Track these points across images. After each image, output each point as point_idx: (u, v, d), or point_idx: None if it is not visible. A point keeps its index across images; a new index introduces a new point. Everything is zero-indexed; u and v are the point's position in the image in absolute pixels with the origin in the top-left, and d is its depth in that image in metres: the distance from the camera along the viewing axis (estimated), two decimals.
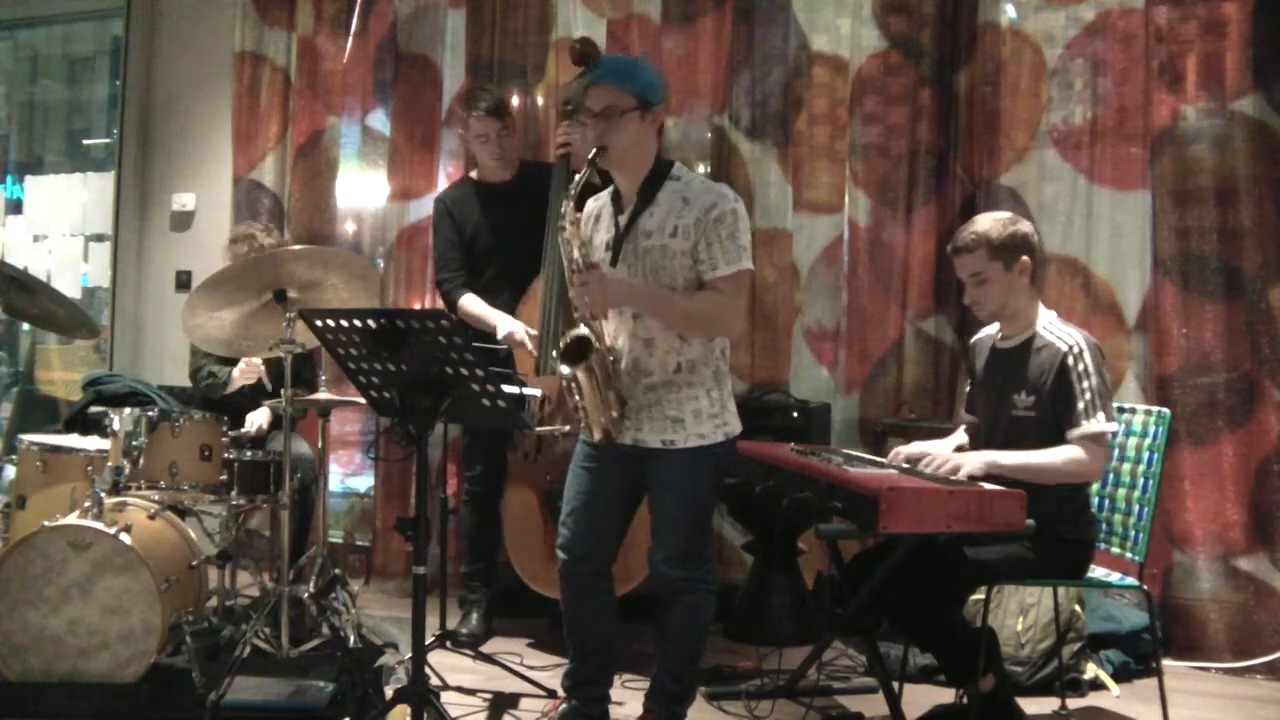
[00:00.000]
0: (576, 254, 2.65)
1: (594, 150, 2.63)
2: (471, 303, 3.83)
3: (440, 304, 4.61)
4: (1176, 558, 3.80)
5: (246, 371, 3.89)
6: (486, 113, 3.82)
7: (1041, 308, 2.91)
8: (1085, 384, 2.71)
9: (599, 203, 2.82)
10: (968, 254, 2.85)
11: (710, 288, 2.63)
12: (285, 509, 3.31)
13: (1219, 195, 3.78)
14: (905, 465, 2.89)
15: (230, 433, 3.54)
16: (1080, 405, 2.71)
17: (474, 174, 4.04)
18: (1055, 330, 2.83)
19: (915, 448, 2.98)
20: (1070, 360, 2.74)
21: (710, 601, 2.71)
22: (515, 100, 4.52)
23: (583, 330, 2.65)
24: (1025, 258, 2.83)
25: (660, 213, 2.65)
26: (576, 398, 2.69)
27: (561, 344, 2.66)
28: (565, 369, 2.63)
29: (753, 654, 3.48)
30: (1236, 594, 3.73)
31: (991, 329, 3.02)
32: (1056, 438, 2.75)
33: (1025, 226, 2.86)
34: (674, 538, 2.67)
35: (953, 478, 2.69)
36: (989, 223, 2.86)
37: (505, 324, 3.72)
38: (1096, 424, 2.70)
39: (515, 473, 3.89)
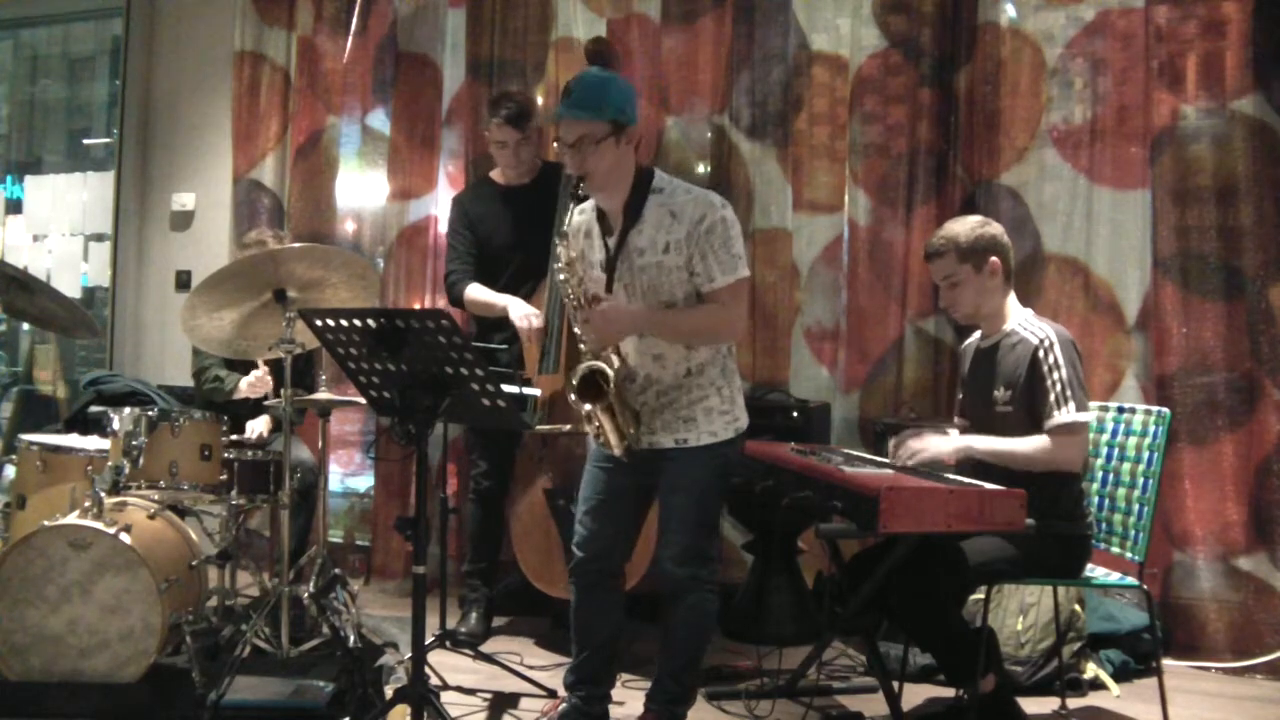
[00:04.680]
0: (574, 292, 2.67)
1: (575, 180, 2.64)
2: (477, 291, 3.83)
3: (441, 303, 4.62)
4: (1176, 557, 3.80)
5: (255, 386, 3.85)
6: (506, 120, 3.83)
7: (1017, 306, 2.96)
8: (1056, 375, 2.76)
9: (584, 217, 2.80)
10: (939, 258, 2.92)
11: (710, 299, 2.64)
12: (285, 509, 3.32)
13: (1219, 194, 3.78)
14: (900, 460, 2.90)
15: (230, 437, 3.54)
16: (1051, 397, 2.76)
17: (493, 174, 4.04)
18: (1029, 325, 2.88)
19: (917, 441, 2.97)
20: (1041, 353, 2.79)
21: (713, 603, 2.72)
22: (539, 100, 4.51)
23: (595, 363, 2.66)
24: (994, 259, 2.89)
25: (649, 229, 2.65)
26: (594, 424, 2.69)
27: (575, 380, 2.66)
28: (586, 406, 2.64)
29: (753, 654, 3.47)
30: (1236, 594, 3.74)
31: (977, 334, 3.07)
32: (1034, 431, 2.79)
33: (994, 229, 2.93)
34: (681, 536, 2.68)
35: (915, 461, 2.80)
36: (958, 226, 2.93)
37: (516, 307, 3.71)
38: (1067, 414, 2.74)
39: (521, 471, 3.89)
